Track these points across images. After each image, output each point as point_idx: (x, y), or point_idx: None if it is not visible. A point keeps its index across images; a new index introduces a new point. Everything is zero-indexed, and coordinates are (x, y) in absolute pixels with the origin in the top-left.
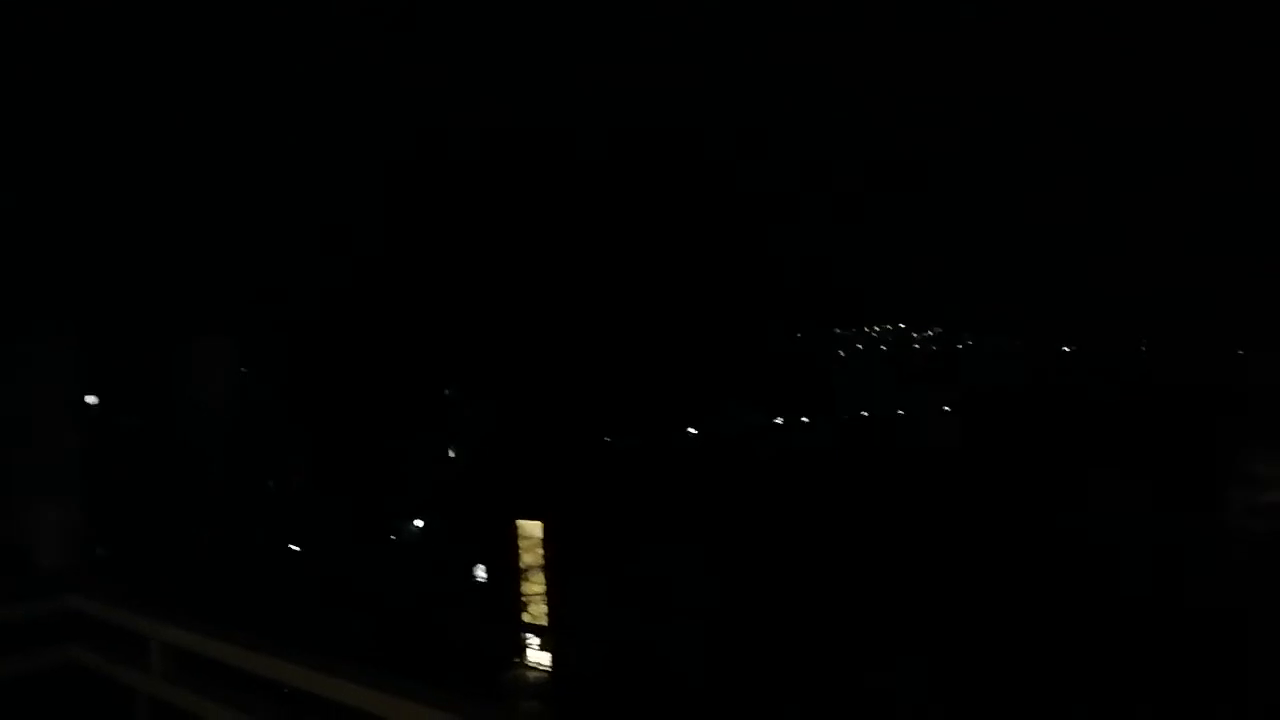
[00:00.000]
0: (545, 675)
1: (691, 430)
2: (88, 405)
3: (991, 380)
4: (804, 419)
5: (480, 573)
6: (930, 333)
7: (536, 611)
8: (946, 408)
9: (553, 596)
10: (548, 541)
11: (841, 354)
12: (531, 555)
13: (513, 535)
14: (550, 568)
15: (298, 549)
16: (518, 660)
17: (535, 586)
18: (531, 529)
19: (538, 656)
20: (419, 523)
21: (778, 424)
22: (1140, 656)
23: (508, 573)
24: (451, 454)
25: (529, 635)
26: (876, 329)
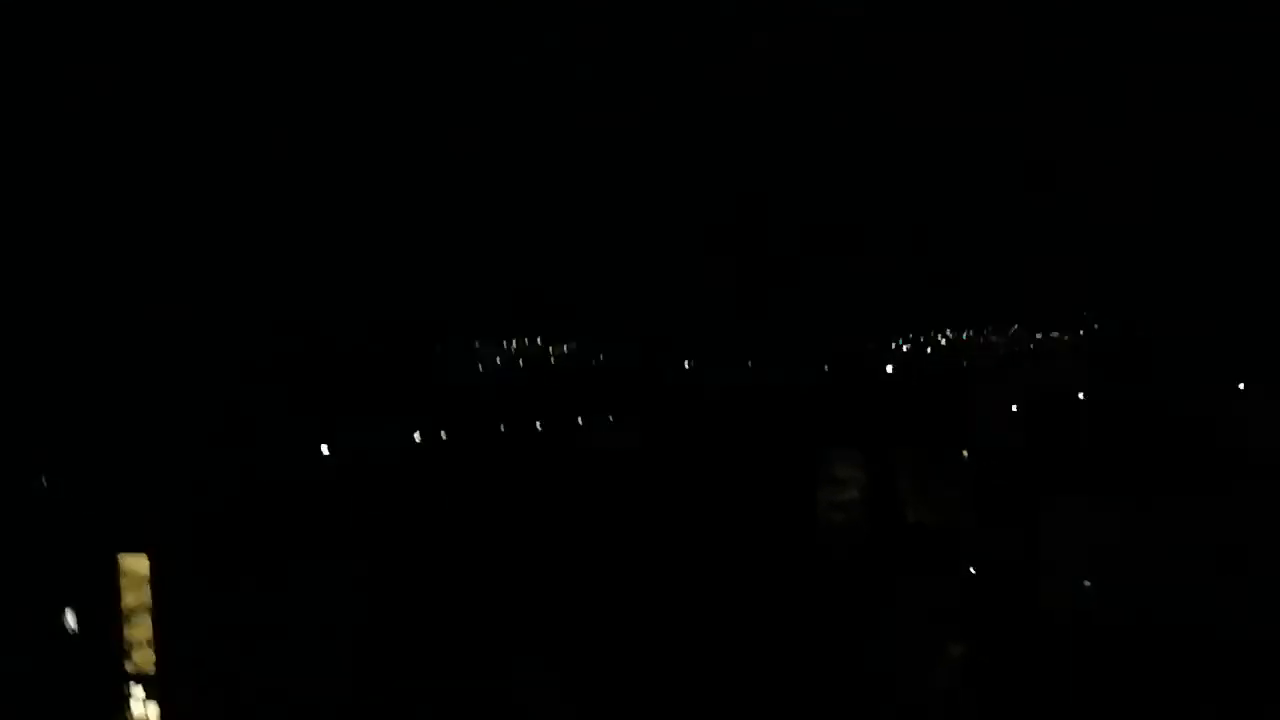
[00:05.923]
0: None
1: (324, 448)
2: None
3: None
4: (442, 434)
5: (70, 619)
6: (566, 348)
7: (141, 659)
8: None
9: (161, 640)
10: (155, 578)
11: (480, 367)
12: (135, 595)
13: (112, 573)
14: (159, 607)
15: None
16: (118, 716)
17: (140, 630)
18: (136, 564)
19: (143, 710)
20: None
21: (416, 439)
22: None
23: (106, 617)
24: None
25: (133, 685)
26: (514, 343)
